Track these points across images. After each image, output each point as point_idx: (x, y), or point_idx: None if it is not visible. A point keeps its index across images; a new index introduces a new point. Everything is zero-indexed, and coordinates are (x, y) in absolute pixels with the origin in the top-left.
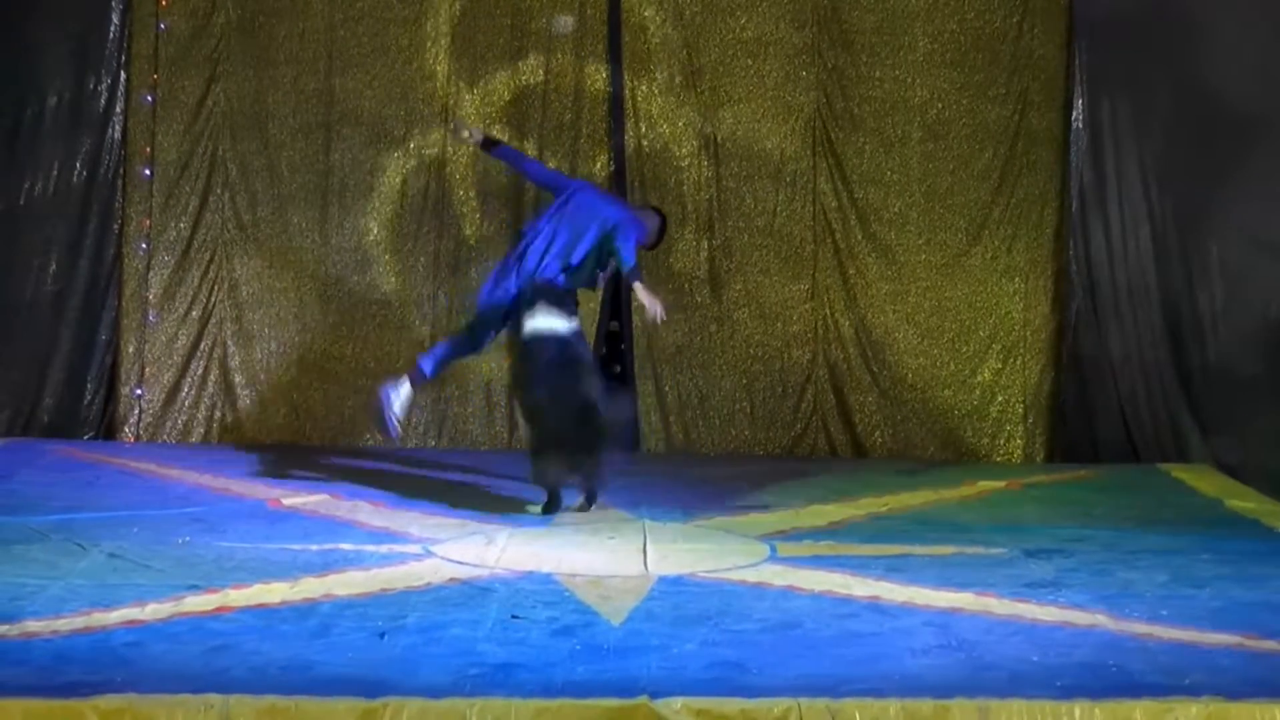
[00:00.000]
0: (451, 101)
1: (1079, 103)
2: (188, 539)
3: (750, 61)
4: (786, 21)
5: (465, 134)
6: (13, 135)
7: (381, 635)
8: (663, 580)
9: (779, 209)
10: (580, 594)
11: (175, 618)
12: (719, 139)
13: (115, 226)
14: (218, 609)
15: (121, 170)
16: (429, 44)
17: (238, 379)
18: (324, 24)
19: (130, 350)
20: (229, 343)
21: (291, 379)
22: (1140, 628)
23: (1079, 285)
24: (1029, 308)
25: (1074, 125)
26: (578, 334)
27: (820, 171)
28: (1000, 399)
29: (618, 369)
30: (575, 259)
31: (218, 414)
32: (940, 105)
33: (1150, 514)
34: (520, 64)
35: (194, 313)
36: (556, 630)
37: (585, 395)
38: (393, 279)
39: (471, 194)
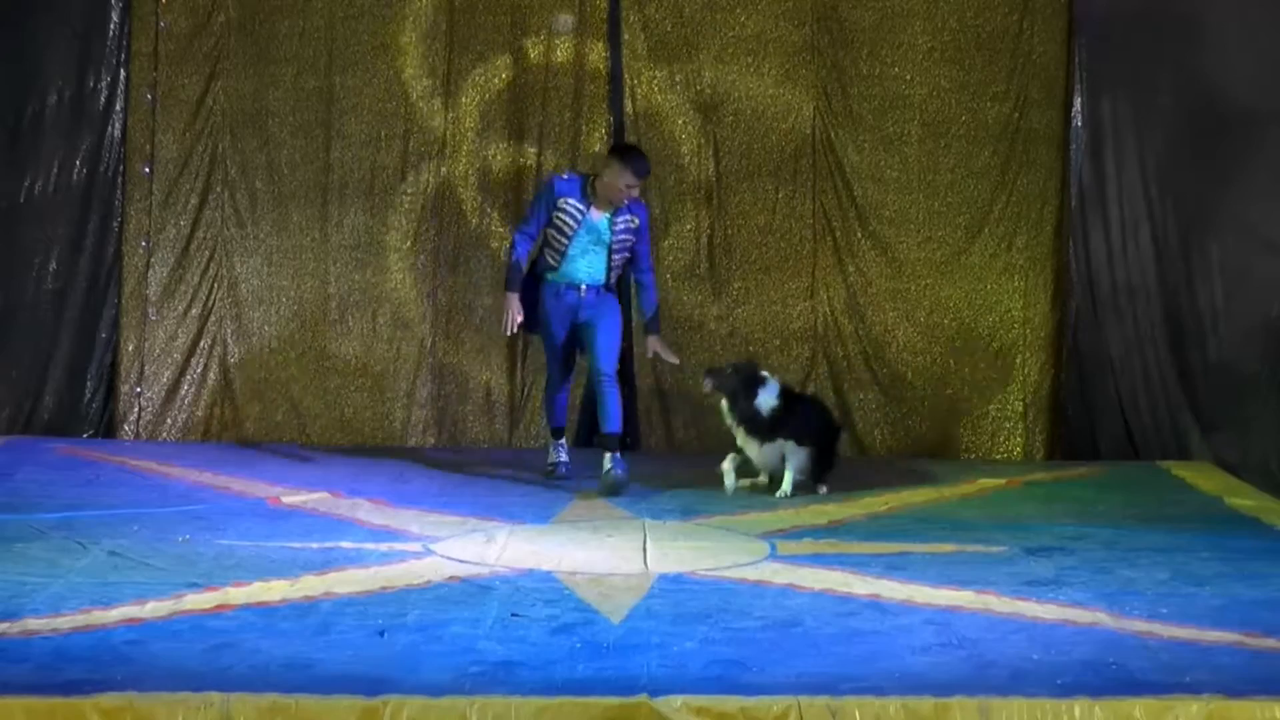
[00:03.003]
0: (451, 100)
1: (1079, 101)
2: (188, 537)
3: (750, 59)
4: (786, 19)
5: (510, 319)
6: (13, 133)
7: (381, 633)
8: (662, 578)
9: (778, 207)
10: (580, 592)
11: (175, 616)
12: (718, 137)
13: (115, 224)
14: (218, 607)
15: (121, 168)
16: (429, 41)
17: (237, 377)
18: (324, 21)
19: (130, 348)
20: (229, 340)
21: (291, 377)
22: (1141, 625)
23: (1079, 283)
24: (1029, 305)
25: (1074, 123)
26: None
27: (820, 169)
28: (1000, 397)
29: None
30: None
31: (217, 412)
32: (940, 103)
33: (1150, 512)
34: (520, 62)
35: (194, 310)
36: (556, 628)
37: None
38: (392, 277)
39: (471, 191)
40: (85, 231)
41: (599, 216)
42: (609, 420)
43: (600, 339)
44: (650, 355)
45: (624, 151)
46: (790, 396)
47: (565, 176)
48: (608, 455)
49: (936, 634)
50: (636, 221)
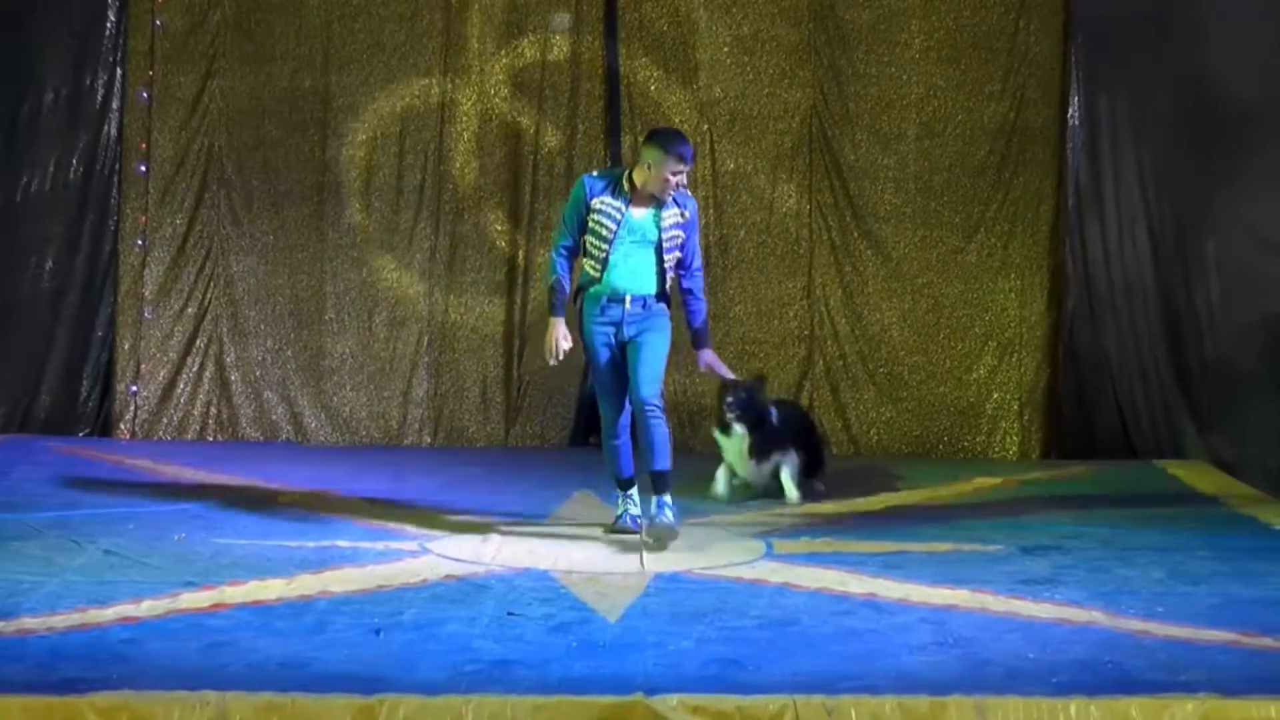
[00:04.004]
0: (448, 98)
1: (1075, 99)
2: (184, 535)
3: (747, 58)
4: (783, 18)
5: (555, 346)
6: (10, 131)
7: (378, 632)
8: (659, 577)
9: (775, 206)
10: (576, 591)
11: (171, 614)
12: (715, 135)
13: (111, 223)
14: (214, 606)
15: (118, 166)
16: (425, 40)
17: (233, 375)
18: (320, 20)
19: (126, 347)
20: (224, 339)
21: (287, 375)
22: (1137, 624)
23: (1075, 282)
24: (1025, 304)
25: (1070, 122)
26: None
27: (816, 168)
28: (996, 396)
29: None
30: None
31: (213, 410)
32: (936, 102)
33: (1146, 511)
34: (516, 61)
35: (190, 309)
36: (553, 627)
37: None
38: (388, 275)
39: (468, 190)
40: (81, 230)
41: (641, 214)
42: (658, 456)
43: (644, 362)
44: (704, 370)
45: (663, 136)
46: (777, 408)
47: (596, 174)
48: (655, 499)
49: (933, 633)
50: (687, 215)
